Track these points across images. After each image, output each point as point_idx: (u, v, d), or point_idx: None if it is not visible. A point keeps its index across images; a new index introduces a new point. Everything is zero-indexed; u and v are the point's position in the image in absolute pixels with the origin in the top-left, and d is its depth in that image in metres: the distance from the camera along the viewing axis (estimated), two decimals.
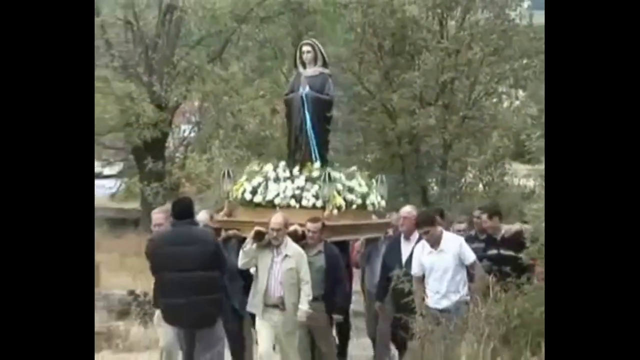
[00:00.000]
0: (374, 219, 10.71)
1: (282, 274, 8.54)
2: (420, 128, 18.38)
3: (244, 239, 8.72)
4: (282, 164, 10.19)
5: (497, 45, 18.90)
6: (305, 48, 10.66)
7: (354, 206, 10.18)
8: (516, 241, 9.58)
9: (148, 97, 21.27)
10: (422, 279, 8.59)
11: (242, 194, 10.01)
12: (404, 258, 9.14)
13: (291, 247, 8.65)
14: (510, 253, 9.23)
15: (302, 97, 10.21)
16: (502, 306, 7.77)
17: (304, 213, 9.43)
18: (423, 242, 8.65)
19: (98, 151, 26.94)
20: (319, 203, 9.66)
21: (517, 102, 21.47)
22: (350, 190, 10.16)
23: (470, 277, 8.50)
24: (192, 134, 27.16)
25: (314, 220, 9.09)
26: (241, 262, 8.63)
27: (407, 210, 9.60)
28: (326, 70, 10.68)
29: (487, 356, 6.84)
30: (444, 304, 8.26)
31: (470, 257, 8.50)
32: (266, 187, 9.86)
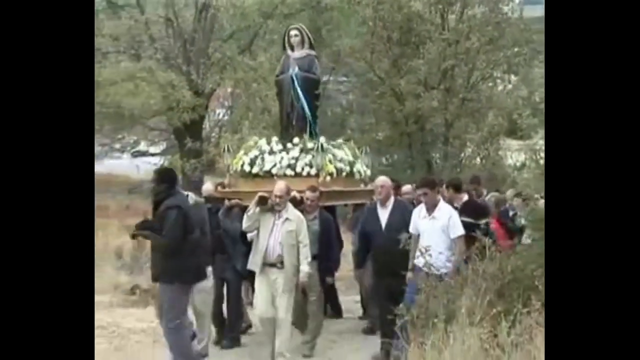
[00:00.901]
0: (361, 187, 10.38)
1: (282, 235, 8.15)
2: (424, 109, 18.39)
3: (246, 207, 8.44)
4: (275, 138, 9.89)
5: (492, 35, 18.87)
6: (292, 32, 10.23)
7: (344, 174, 9.89)
8: (474, 209, 9.49)
9: (187, 84, 21.21)
10: (417, 237, 8.27)
11: (242, 166, 9.70)
12: (383, 224, 8.65)
13: (292, 211, 8.32)
14: (470, 220, 9.10)
15: (292, 77, 9.85)
16: (497, 264, 7.76)
17: (299, 181, 9.17)
18: (422, 205, 8.34)
19: (144, 132, 27.07)
20: (312, 171, 9.41)
21: (510, 86, 21.47)
22: (340, 159, 9.87)
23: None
24: (226, 117, 27.14)
25: (312, 189, 8.82)
26: (245, 224, 8.28)
27: (383, 179, 9.04)
28: (313, 52, 10.26)
29: (484, 308, 6.83)
30: (436, 271, 7.83)
31: (457, 231, 8.06)
32: (263, 159, 9.57)
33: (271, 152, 9.59)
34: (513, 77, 21.57)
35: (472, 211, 9.25)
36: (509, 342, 6.37)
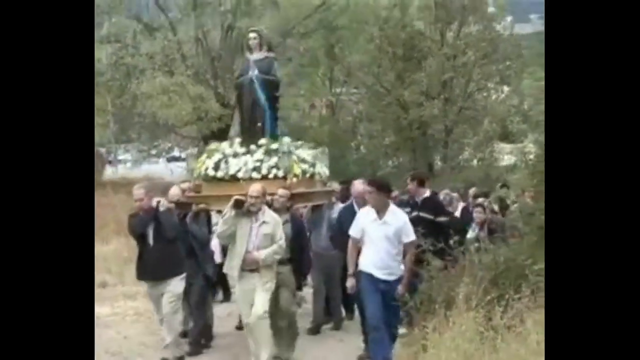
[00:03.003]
0: (319, 187, 9.30)
1: (259, 239, 7.17)
2: (426, 117, 18.41)
3: (218, 211, 7.73)
4: (237, 140, 8.82)
5: (486, 51, 18.91)
6: (251, 35, 9.16)
7: (307, 175, 8.81)
8: (435, 206, 8.96)
9: (214, 97, 21.25)
10: (358, 241, 7.29)
11: (205, 170, 8.58)
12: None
13: (268, 213, 7.30)
14: (429, 216, 8.59)
15: (251, 79, 8.83)
16: (491, 255, 7.74)
17: (267, 183, 7.95)
18: (368, 208, 7.30)
19: (177, 139, 27.16)
20: (280, 173, 8.37)
21: (502, 95, 21.46)
22: (302, 159, 8.83)
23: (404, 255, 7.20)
24: None
25: (284, 187, 8.00)
26: (221, 229, 7.26)
27: (359, 182, 8.49)
28: (271, 54, 9.20)
29: (480, 295, 6.81)
30: (386, 277, 7.14)
31: (411, 236, 7.14)
32: (227, 162, 8.50)
33: (235, 155, 8.61)
34: (505, 88, 21.56)
35: (432, 208, 8.63)
36: (502, 325, 6.36)
